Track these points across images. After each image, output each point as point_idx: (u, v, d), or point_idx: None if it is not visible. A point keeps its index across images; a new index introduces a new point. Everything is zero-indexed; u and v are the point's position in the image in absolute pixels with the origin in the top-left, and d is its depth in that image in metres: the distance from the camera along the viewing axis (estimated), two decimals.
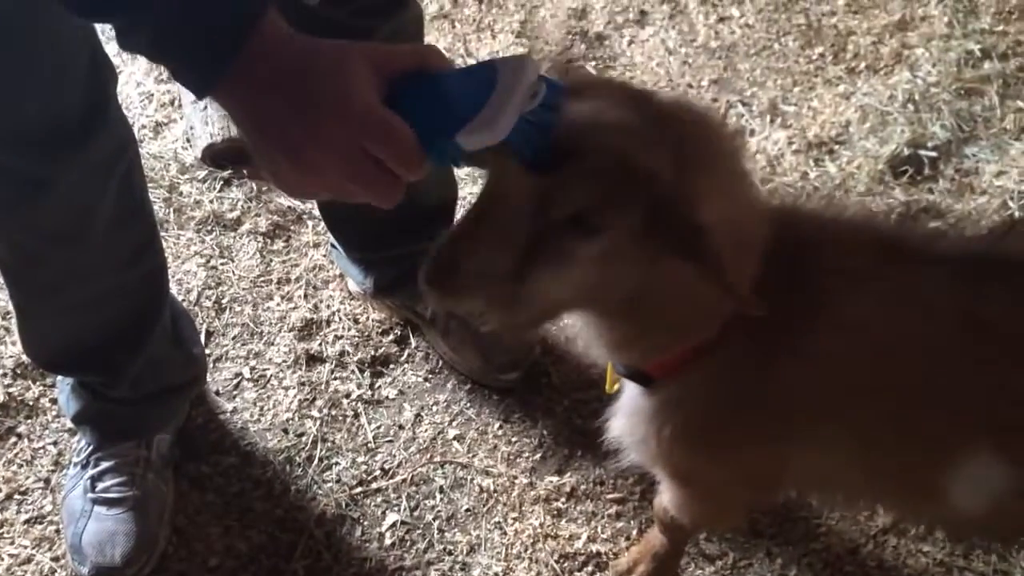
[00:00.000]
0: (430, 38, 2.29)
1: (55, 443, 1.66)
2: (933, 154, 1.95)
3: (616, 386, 1.20)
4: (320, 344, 1.79)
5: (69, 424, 1.62)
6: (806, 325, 0.99)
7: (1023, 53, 2.10)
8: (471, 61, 2.25)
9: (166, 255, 1.87)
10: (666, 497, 1.29)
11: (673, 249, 0.86)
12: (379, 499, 1.61)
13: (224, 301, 1.85)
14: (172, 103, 2.18)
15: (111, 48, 1.28)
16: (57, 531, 1.56)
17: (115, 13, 0.79)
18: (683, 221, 0.84)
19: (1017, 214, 1.83)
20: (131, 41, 0.82)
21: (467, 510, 1.59)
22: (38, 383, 1.71)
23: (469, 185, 1.99)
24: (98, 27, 1.28)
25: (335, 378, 1.75)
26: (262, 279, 1.88)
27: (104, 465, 1.51)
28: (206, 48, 0.78)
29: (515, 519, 1.57)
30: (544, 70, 0.85)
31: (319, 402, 1.72)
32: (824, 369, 1.01)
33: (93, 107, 1.25)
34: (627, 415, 1.16)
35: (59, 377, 1.59)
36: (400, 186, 0.82)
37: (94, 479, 1.51)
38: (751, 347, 1.00)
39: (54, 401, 1.68)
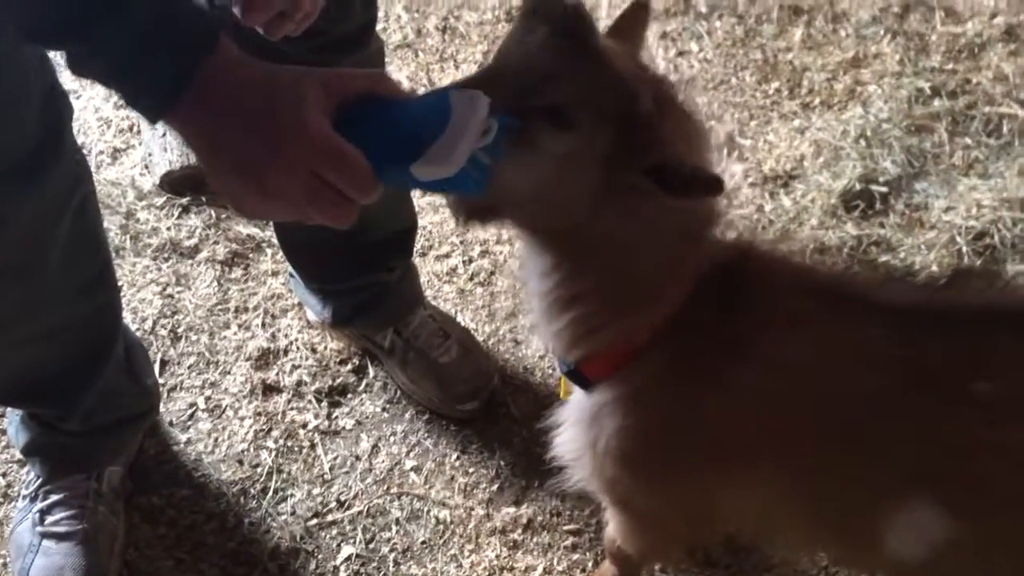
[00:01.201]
0: (392, 67, 2.30)
1: (3, 475, 1.63)
2: (884, 189, 1.99)
3: (569, 395, 1.21)
4: (277, 374, 1.78)
5: (19, 455, 1.59)
6: (737, 358, 1.01)
7: (971, 91, 2.16)
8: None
9: (121, 283, 1.87)
10: (611, 525, 1.30)
11: (635, 169, 0.90)
12: (334, 531, 1.60)
13: (180, 330, 1.84)
14: (131, 129, 2.17)
15: (68, 74, 1.28)
16: (4, 565, 1.53)
17: (72, 40, 0.80)
18: (650, 141, 0.89)
19: (964, 249, 1.87)
20: (87, 68, 0.83)
21: (423, 542, 1.59)
22: None
23: (429, 214, 2.00)
24: (52, 55, 1.27)
25: (292, 408, 1.74)
26: (219, 307, 1.87)
27: (53, 498, 1.49)
28: (161, 74, 0.79)
29: (471, 551, 1.57)
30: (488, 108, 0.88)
31: (275, 432, 1.71)
32: (746, 405, 1.03)
33: (47, 140, 1.24)
34: (570, 424, 1.18)
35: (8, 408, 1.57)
36: (354, 209, 0.85)
37: (43, 512, 1.48)
38: (677, 367, 1.03)
39: (3, 432, 1.65)
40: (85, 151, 2.09)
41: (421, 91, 2.26)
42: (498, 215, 1.00)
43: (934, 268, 1.85)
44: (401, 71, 2.30)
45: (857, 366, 1.01)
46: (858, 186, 2.00)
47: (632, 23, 1.05)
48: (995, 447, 1.00)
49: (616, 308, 1.02)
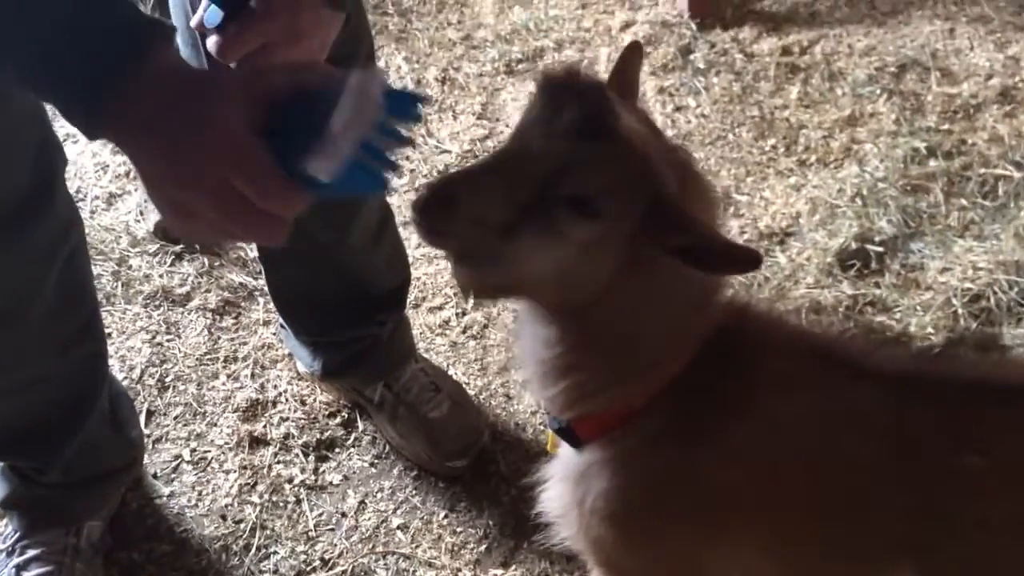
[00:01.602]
0: None
1: None
2: (880, 248, 1.99)
3: (558, 449, 1.19)
4: (265, 426, 1.75)
5: None
6: (733, 417, 1.00)
7: (967, 152, 2.17)
8: (431, 141, 2.27)
9: (111, 330, 1.86)
10: None
11: (661, 248, 0.89)
12: None
13: (168, 379, 1.82)
14: (127, 174, 2.17)
15: (63, 123, 1.27)
16: None
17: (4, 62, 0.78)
18: (680, 221, 0.88)
19: (960, 311, 1.86)
20: (25, 86, 0.81)
21: None
22: None
23: (423, 266, 1.99)
24: (48, 107, 1.27)
25: (278, 462, 1.71)
26: (208, 357, 1.85)
27: (30, 553, 1.46)
28: (86, 87, 0.77)
29: None
30: (387, 84, 0.82)
31: (260, 487, 1.68)
32: (745, 467, 1.01)
33: (38, 191, 1.23)
34: (558, 480, 1.16)
35: None
36: (276, 223, 0.79)
37: (19, 568, 1.45)
38: (676, 426, 1.01)
39: None
40: (80, 195, 2.10)
41: (420, 143, 2.28)
42: (512, 294, 1.00)
43: (930, 330, 1.84)
44: None
45: (848, 432, 1.00)
46: (854, 245, 1.99)
47: (628, 65, 1.06)
48: (983, 521, 0.99)
49: (617, 376, 1.01)
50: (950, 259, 1.96)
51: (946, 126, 2.23)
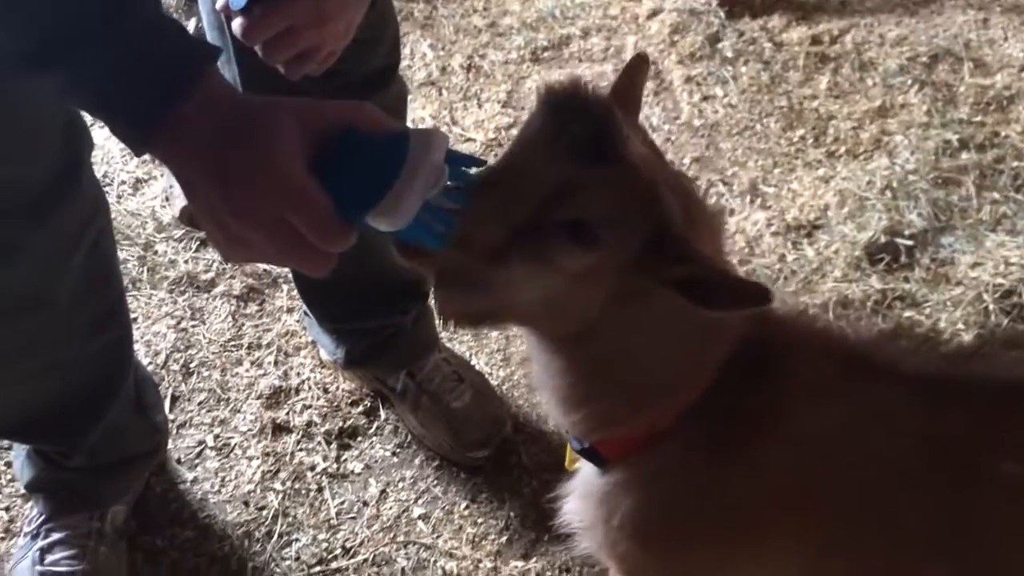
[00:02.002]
0: (416, 104, 2.30)
1: (7, 509, 1.61)
2: (910, 242, 1.96)
3: (576, 464, 1.18)
4: (287, 413, 1.76)
5: (23, 489, 1.58)
6: (763, 431, 0.98)
7: (1000, 144, 2.13)
8: (456, 130, 2.26)
9: (136, 315, 1.86)
10: None
11: (659, 280, 0.85)
12: None
13: (192, 365, 1.82)
14: (154, 160, 2.17)
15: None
16: None
17: (49, 69, 0.78)
18: (685, 253, 0.84)
19: (991, 307, 1.83)
20: (67, 96, 0.82)
21: None
22: None
23: None
24: None
25: (300, 449, 1.72)
26: (232, 343, 1.86)
27: (55, 536, 1.47)
28: (135, 109, 0.77)
29: None
30: (448, 147, 0.83)
31: (283, 474, 1.68)
32: (773, 480, 0.99)
33: (66, 173, 1.23)
34: (579, 497, 1.14)
35: None
36: (327, 257, 0.82)
37: (44, 551, 1.46)
38: (705, 444, 0.99)
39: (9, 464, 1.63)
40: (107, 180, 2.11)
41: (445, 131, 2.27)
42: (498, 322, 0.96)
43: (960, 326, 1.81)
44: (425, 109, 2.30)
45: (877, 439, 0.98)
46: (883, 238, 1.96)
47: (632, 79, 0.99)
48: (1016, 530, 0.97)
49: (634, 403, 0.98)
50: (981, 254, 1.93)
51: (979, 118, 2.19)
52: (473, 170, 0.87)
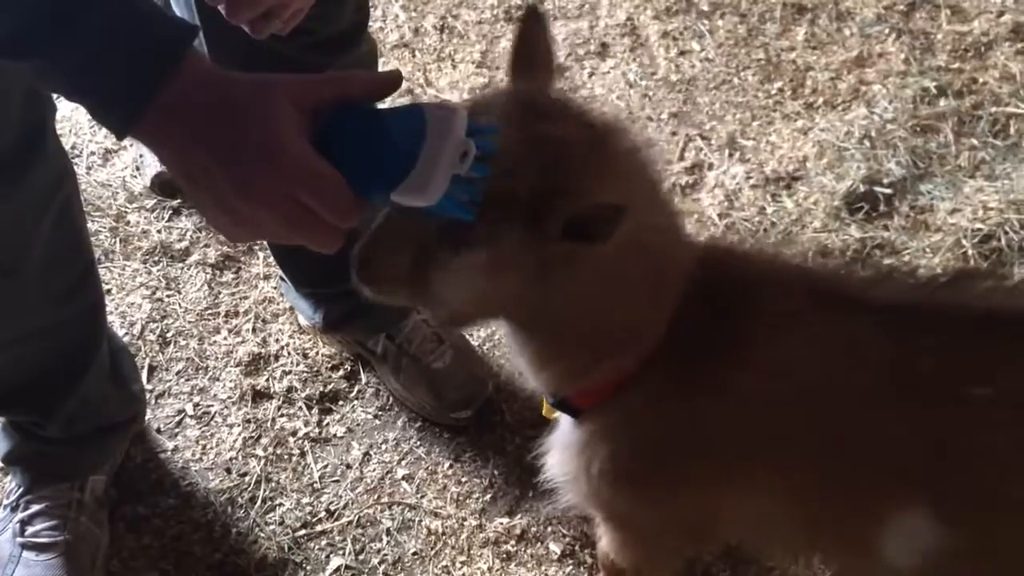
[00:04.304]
0: (389, 66, 2.26)
1: None
2: (888, 191, 1.95)
3: (554, 415, 1.18)
4: (267, 380, 1.74)
5: (0, 463, 1.56)
6: (731, 364, 0.97)
7: (978, 91, 2.12)
8: (430, 91, 2.23)
9: (110, 287, 1.84)
10: (604, 540, 1.27)
11: (555, 240, 0.85)
12: (323, 542, 1.56)
13: (169, 335, 1.80)
14: None
15: None
16: None
17: (25, 55, 0.76)
18: (556, 210, 0.84)
19: (971, 252, 1.83)
20: (46, 82, 0.79)
21: (414, 553, 1.55)
22: None
23: None
24: None
25: (282, 415, 1.70)
26: (209, 312, 1.84)
27: (35, 508, 1.45)
28: (117, 92, 0.75)
29: (463, 563, 1.53)
30: (466, 120, 0.82)
31: (264, 440, 1.67)
32: (747, 411, 0.99)
33: (28, 139, 1.21)
34: (559, 449, 1.15)
35: None
36: (339, 232, 0.81)
37: (24, 523, 1.45)
38: (674, 383, 0.99)
39: None
40: (76, 152, 2.07)
41: (419, 93, 2.24)
42: (465, 322, 1.00)
43: (939, 271, 1.81)
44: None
45: (850, 368, 0.98)
46: (862, 188, 1.95)
47: (530, 36, 0.96)
48: (991, 453, 0.97)
49: (597, 355, 0.98)
50: (960, 200, 1.92)
51: (956, 65, 2.17)
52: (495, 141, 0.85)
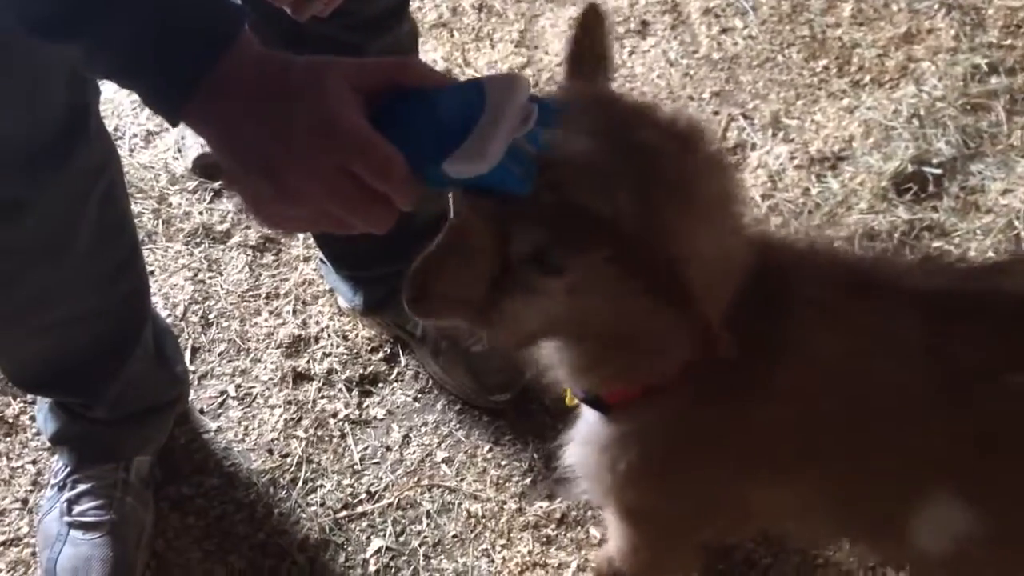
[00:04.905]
0: (428, 47, 2.25)
1: (34, 462, 1.63)
2: (938, 171, 1.90)
3: (576, 401, 1.16)
4: (308, 361, 1.75)
5: (47, 442, 1.58)
6: (770, 359, 0.95)
7: None
8: (469, 71, 2.22)
9: (153, 268, 1.86)
10: (612, 544, 1.25)
11: (641, 286, 0.82)
12: (364, 523, 1.57)
13: (211, 316, 1.82)
14: None
15: None
16: (33, 554, 1.52)
17: (75, 35, 0.75)
18: (651, 257, 0.80)
19: (1023, 233, 1.78)
20: (97, 65, 0.79)
21: (454, 536, 1.55)
22: (18, 399, 1.68)
23: None
24: None
25: (322, 397, 1.71)
26: (250, 294, 1.85)
27: (81, 488, 1.48)
28: (171, 74, 0.74)
29: (503, 546, 1.53)
30: (531, 91, 0.80)
31: (305, 422, 1.68)
32: (787, 405, 0.97)
33: (72, 122, 1.21)
34: (581, 443, 1.12)
35: None
36: (392, 210, 0.78)
37: (71, 502, 1.47)
38: (714, 381, 0.96)
39: (33, 419, 1.64)
40: (119, 134, 2.09)
41: (457, 73, 2.23)
42: (529, 344, 0.96)
43: (990, 254, 1.77)
44: (436, 51, 2.25)
45: (885, 357, 0.95)
46: (910, 168, 1.91)
47: (589, 34, 0.92)
48: None
49: (645, 360, 0.95)
50: (1012, 180, 1.87)
51: (1008, 41, 2.11)
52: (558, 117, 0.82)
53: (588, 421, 1.10)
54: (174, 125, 0.82)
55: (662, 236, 0.81)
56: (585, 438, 1.10)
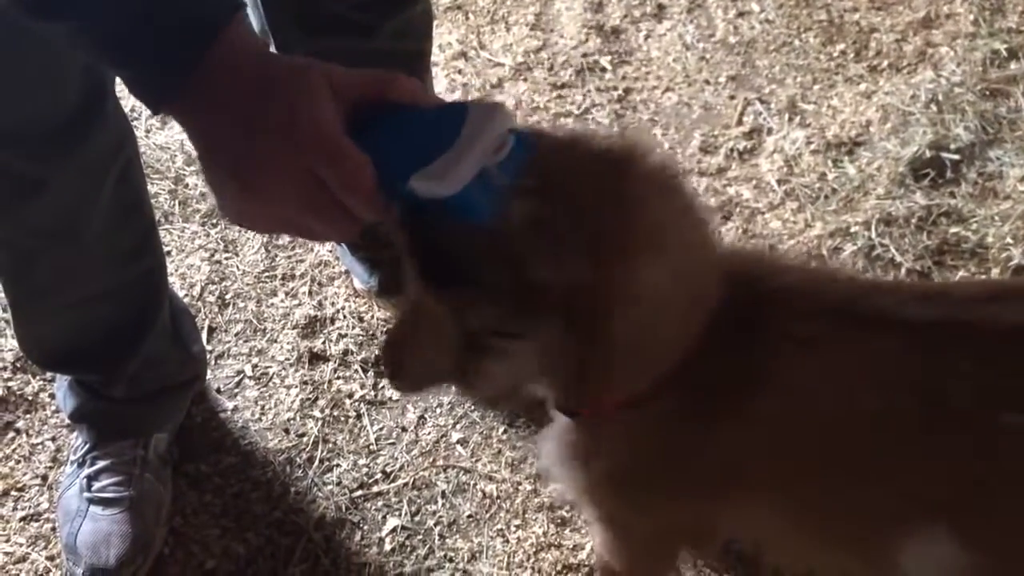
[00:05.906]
0: (442, 29, 2.25)
1: (53, 439, 1.64)
2: (956, 157, 1.89)
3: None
4: (324, 342, 1.76)
5: (67, 420, 1.60)
6: (750, 388, 0.92)
7: None
8: (484, 54, 2.21)
9: (170, 248, 1.86)
10: (596, 540, 1.25)
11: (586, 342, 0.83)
12: (380, 503, 1.58)
13: (228, 297, 1.83)
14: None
15: None
16: (53, 529, 1.54)
17: (65, 14, 0.73)
18: (597, 324, 0.81)
19: None
20: (79, 48, 0.77)
21: (469, 516, 1.56)
22: (38, 377, 1.69)
23: None
24: None
25: (338, 377, 1.72)
26: (267, 275, 1.85)
27: (100, 464, 1.49)
28: (163, 60, 0.73)
29: (518, 527, 1.54)
30: (514, 121, 0.79)
31: (321, 402, 1.69)
32: (767, 435, 0.95)
33: (89, 102, 1.22)
34: (556, 441, 1.10)
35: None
36: (353, 220, 0.75)
37: (90, 478, 1.48)
38: (689, 401, 0.94)
39: (54, 396, 1.65)
40: (135, 115, 2.09)
41: (472, 56, 2.22)
42: (508, 397, 1.01)
43: (1008, 240, 1.76)
44: (451, 34, 2.25)
45: (869, 390, 0.93)
46: (928, 153, 1.90)
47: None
48: (1018, 481, 0.92)
49: (616, 382, 0.93)
50: None
51: None
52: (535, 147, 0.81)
53: (561, 424, 1.09)
54: (155, 114, 0.80)
55: (608, 285, 0.80)
56: (558, 436, 1.08)
